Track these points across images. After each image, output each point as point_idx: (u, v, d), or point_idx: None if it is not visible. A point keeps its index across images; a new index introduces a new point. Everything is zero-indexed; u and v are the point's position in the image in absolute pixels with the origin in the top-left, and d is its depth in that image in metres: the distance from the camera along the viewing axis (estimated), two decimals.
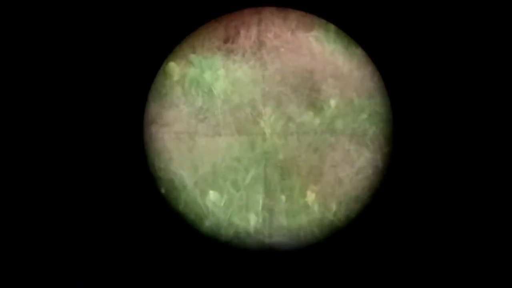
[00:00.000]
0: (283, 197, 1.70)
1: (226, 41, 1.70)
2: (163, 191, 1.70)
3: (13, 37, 1.67)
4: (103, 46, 1.67)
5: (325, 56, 1.69)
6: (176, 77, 1.71)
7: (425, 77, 1.65)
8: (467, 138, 1.65)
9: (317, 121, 1.69)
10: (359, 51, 1.68)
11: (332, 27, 1.68)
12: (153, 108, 1.71)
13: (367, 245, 1.69)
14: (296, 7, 1.69)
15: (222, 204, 1.70)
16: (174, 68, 1.71)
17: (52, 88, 1.68)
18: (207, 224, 1.70)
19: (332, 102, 1.69)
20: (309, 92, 1.69)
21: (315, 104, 1.70)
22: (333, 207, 1.70)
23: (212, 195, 1.70)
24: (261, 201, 1.70)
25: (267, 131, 1.69)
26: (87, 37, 1.67)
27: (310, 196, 1.69)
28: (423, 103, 1.65)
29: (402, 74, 1.66)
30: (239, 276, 1.68)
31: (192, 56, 1.71)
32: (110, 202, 1.68)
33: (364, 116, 1.69)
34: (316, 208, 1.70)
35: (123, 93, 1.68)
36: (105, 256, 1.68)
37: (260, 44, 1.69)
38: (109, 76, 1.67)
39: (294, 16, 1.69)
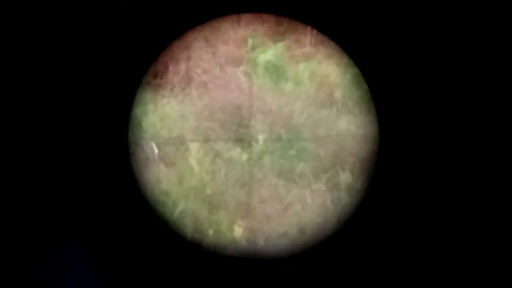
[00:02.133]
0: (210, 232, 1.71)
1: (155, 76, 1.71)
2: None
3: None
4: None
5: (253, 91, 1.69)
6: None
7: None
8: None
9: (244, 156, 1.70)
10: (288, 87, 1.68)
11: (262, 61, 1.68)
12: None
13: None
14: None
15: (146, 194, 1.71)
16: None
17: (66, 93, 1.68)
18: None
19: (260, 138, 1.69)
20: (237, 128, 1.69)
21: (243, 140, 1.70)
22: (261, 242, 1.71)
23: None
24: (189, 235, 1.71)
25: (195, 166, 1.70)
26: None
27: (238, 231, 1.70)
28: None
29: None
30: None
31: None
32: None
33: (292, 152, 1.69)
34: (244, 243, 1.71)
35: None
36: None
37: (189, 79, 1.70)
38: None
39: (223, 51, 1.69)
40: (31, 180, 1.65)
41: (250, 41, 1.69)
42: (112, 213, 1.68)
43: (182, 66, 1.69)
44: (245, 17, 1.68)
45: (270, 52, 1.68)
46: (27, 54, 1.63)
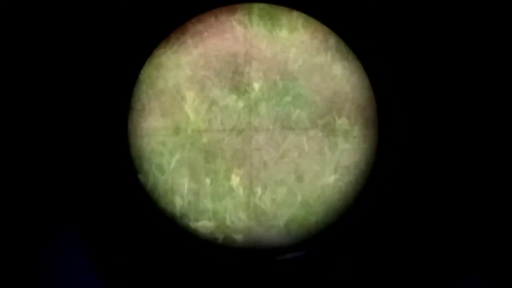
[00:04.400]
0: (207, 181, 1.70)
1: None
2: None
3: None
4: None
5: (248, 39, 1.69)
6: None
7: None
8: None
9: (240, 104, 1.70)
10: (283, 34, 1.69)
11: (255, 9, 1.69)
12: None
13: None
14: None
15: (147, 188, 1.70)
16: None
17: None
18: None
19: (256, 85, 1.69)
20: (233, 76, 1.70)
21: (238, 87, 1.70)
22: (258, 190, 1.70)
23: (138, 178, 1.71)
24: (186, 185, 1.70)
25: (191, 114, 1.70)
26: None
27: (235, 180, 1.69)
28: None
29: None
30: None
31: None
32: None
33: (288, 99, 1.69)
34: (241, 191, 1.69)
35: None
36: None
37: (184, 29, 1.71)
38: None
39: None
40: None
41: None
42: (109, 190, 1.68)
43: None
44: None
45: None
46: (30, 22, 1.64)
